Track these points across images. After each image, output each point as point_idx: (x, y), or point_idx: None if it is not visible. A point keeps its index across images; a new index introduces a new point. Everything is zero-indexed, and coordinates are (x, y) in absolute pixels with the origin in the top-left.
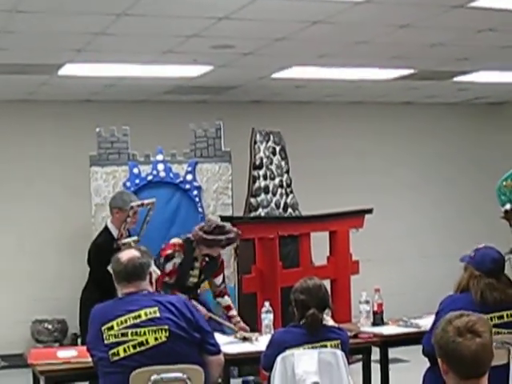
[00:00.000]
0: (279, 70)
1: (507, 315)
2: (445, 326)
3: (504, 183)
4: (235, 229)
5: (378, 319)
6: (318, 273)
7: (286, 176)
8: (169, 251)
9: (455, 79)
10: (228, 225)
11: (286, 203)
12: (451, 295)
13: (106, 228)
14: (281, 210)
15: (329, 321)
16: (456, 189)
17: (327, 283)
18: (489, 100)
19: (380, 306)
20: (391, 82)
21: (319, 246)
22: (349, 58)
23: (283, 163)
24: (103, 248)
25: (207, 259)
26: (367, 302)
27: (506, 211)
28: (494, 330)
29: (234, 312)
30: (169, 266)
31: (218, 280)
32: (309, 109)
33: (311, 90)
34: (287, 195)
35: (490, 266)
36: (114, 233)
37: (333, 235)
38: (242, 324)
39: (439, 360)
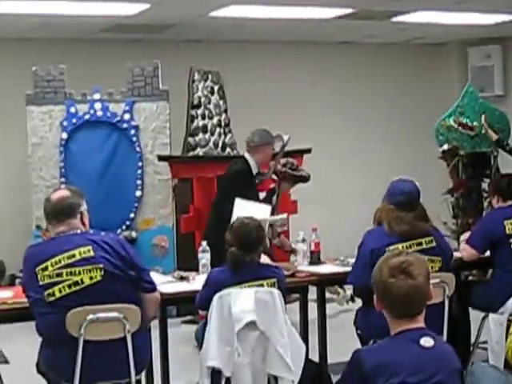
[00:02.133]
0: (217, 9)
1: (425, 242)
2: (381, 265)
3: (442, 123)
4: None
5: (314, 258)
6: None
7: (224, 115)
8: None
9: (394, 19)
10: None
11: (224, 143)
12: (370, 229)
13: (245, 159)
14: (219, 149)
15: (265, 259)
16: (396, 129)
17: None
18: (428, 41)
19: (317, 245)
20: (330, 21)
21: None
22: None
23: (221, 102)
24: (241, 175)
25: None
26: (304, 241)
27: (444, 151)
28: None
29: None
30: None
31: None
32: (248, 48)
33: (250, 29)
34: (225, 135)
35: (399, 198)
36: (254, 168)
37: None
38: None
39: (375, 297)
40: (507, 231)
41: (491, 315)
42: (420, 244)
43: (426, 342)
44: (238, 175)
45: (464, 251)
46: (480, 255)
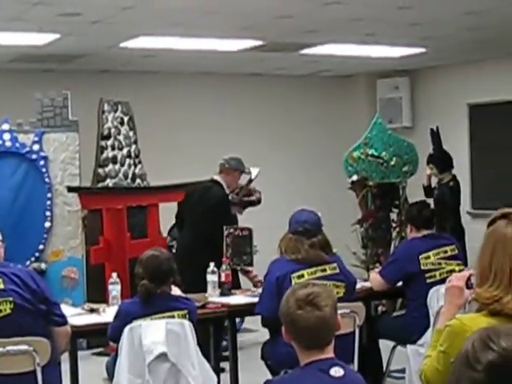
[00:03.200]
0: (127, 39)
1: (329, 268)
2: (288, 297)
3: (350, 155)
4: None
5: (225, 289)
6: (166, 243)
7: (134, 146)
8: None
9: (302, 51)
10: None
11: (134, 174)
12: (274, 259)
13: (218, 182)
14: (129, 180)
15: (176, 291)
16: (307, 160)
17: None
18: (337, 73)
19: (227, 276)
20: (239, 53)
21: (168, 217)
22: (197, 29)
23: (131, 133)
24: (227, 200)
25: None
26: (214, 273)
27: (353, 182)
28: (319, 282)
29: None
30: None
31: None
32: (158, 79)
33: (160, 59)
34: (135, 166)
35: (297, 227)
36: (226, 190)
37: None
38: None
39: (283, 328)
40: (422, 266)
41: (409, 346)
42: (324, 270)
43: (336, 371)
44: (227, 199)
45: (374, 281)
46: (390, 286)
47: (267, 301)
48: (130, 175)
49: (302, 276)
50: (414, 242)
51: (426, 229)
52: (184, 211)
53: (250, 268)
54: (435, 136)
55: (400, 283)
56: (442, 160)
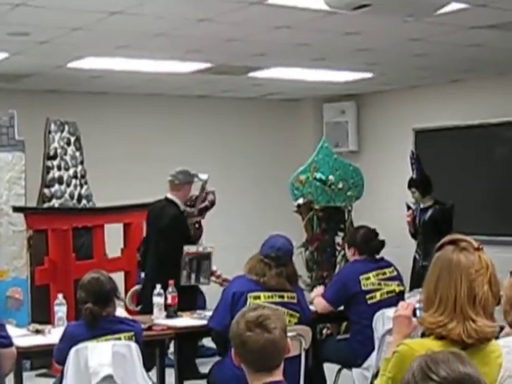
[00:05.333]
0: (75, 60)
1: (287, 296)
2: (238, 318)
3: (296, 178)
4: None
5: (171, 311)
6: (111, 265)
7: (80, 167)
8: None
9: (250, 75)
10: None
11: (80, 194)
12: (237, 275)
13: (174, 202)
14: (75, 200)
15: (122, 313)
16: (253, 182)
17: (121, 276)
18: (284, 96)
19: (174, 298)
20: (187, 76)
21: (114, 238)
22: (145, 51)
23: (78, 154)
24: (181, 219)
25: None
26: (160, 295)
27: (299, 205)
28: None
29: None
30: None
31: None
32: (105, 100)
33: (107, 80)
34: (81, 186)
35: (269, 251)
36: (181, 206)
37: (127, 227)
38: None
39: (233, 350)
40: (363, 287)
41: (355, 370)
42: (282, 297)
43: None
44: (181, 219)
45: (319, 304)
46: (334, 309)
47: (220, 315)
48: (76, 196)
49: (259, 297)
50: (355, 263)
51: (370, 256)
52: (146, 233)
53: (213, 268)
54: (416, 160)
55: (342, 307)
56: (424, 184)
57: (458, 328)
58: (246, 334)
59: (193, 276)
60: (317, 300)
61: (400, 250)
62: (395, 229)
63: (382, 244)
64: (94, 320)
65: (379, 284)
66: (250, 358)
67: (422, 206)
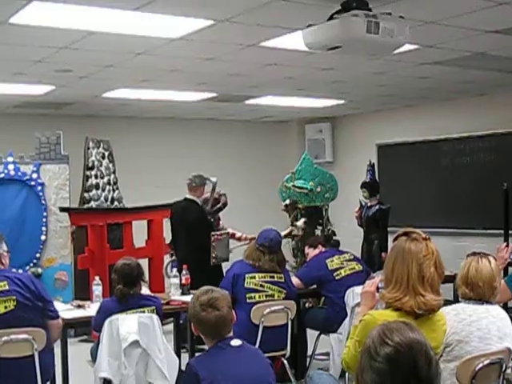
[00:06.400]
0: (108, 91)
1: (276, 276)
2: (194, 302)
3: (283, 184)
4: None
5: (185, 290)
6: (138, 253)
7: (112, 176)
8: None
9: (247, 102)
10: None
11: (112, 197)
12: (237, 260)
13: (194, 201)
14: (109, 202)
15: (146, 291)
16: (250, 187)
17: (146, 261)
18: (274, 119)
19: (187, 279)
20: (198, 103)
21: (140, 232)
22: (164, 83)
23: (111, 165)
24: (204, 213)
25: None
26: (176, 277)
27: (286, 205)
28: (266, 285)
29: (238, 234)
30: None
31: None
32: (132, 122)
33: (134, 107)
34: (114, 191)
35: (264, 241)
36: (200, 203)
37: (150, 223)
38: (249, 236)
39: (192, 325)
40: (329, 267)
41: (332, 335)
42: (272, 277)
43: (235, 342)
44: (204, 213)
45: (293, 281)
46: (305, 287)
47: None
48: (110, 199)
49: (254, 277)
50: (321, 253)
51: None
52: (172, 229)
53: (234, 232)
54: (371, 168)
55: (315, 286)
56: (372, 187)
57: (411, 301)
58: (201, 313)
59: (219, 256)
60: (293, 278)
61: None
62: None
63: (339, 242)
64: (123, 297)
65: (342, 263)
66: (206, 331)
67: (368, 204)
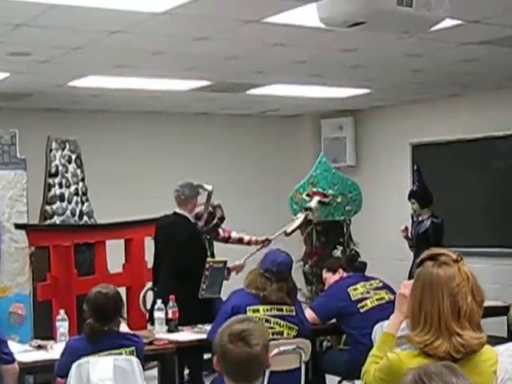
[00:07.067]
0: (76, 79)
1: (286, 309)
2: (223, 329)
3: (295, 194)
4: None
5: (172, 326)
6: (113, 280)
7: (81, 184)
8: None
9: (249, 92)
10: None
11: (81, 211)
12: (235, 289)
13: (185, 216)
14: (76, 217)
15: (125, 328)
16: (253, 196)
17: (123, 291)
18: (283, 113)
19: (175, 313)
20: (186, 93)
21: (116, 254)
22: (144, 69)
23: (79, 171)
24: (197, 232)
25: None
26: (161, 310)
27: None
28: (273, 320)
29: (246, 237)
30: None
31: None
32: (106, 117)
33: (108, 98)
34: (83, 203)
35: (270, 266)
36: (191, 219)
37: (128, 243)
38: (259, 238)
39: (215, 358)
40: (352, 297)
41: (357, 382)
42: (281, 310)
43: None
44: (196, 232)
45: (307, 316)
46: (322, 322)
47: (218, 327)
48: (78, 213)
49: (258, 311)
50: (342, 279)
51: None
52: (156, 250)
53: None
54: (418, 173)
55: (334, 320)
56: (423, 196)
57: (445, 345)
58: (228, 346)
59: (210, 288)
60: (306, 311)
61: (406, 263)
62: (396, 242)
63: (365, 264)
64: (94, 335)
65: (368, 292)
66: (229, 369)
67: (420, 218)
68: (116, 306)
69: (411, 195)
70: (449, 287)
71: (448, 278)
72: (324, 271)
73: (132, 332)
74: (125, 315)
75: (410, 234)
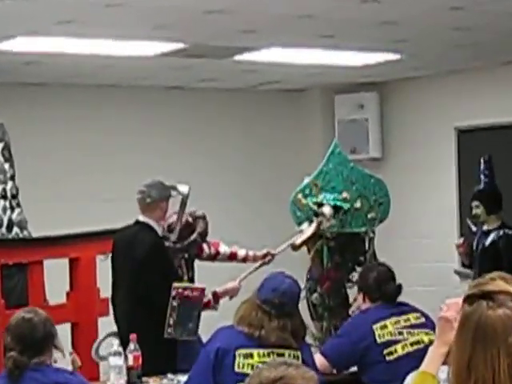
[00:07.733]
0: (2, 40)
1: (289, 354)
2: (257, 374)
3: (298, 197)
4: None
5: (133, 377)
6: (53, 314)
7: (10, 184)
8: None
9: (237, 58)
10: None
11: (10, 220)
12: (223, 326)
13: (146, 224)
14: (3, 229)
15: (66, 364)
16: (243, 200)
17: (67, 327)
18: (281, 86)
19: (137, 358)
20: (154, 60)
21: (58, 278)
22: (96, 27)
23: (7, 166)
24: (161, 246)
25: None
26: (119, 354)
27: (303, 231)
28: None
29: (240, 251)
30: None
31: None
32: (43, 93)
33: (46, 67)
34: (12, 209)
35: (270, 296)
36: (158, 230)
37: (74, 264)
38: (259, 253)
39: None
40: (378, 339)
41: None
42: (282, 355)
43: None
44: (163, 244)
45: (318, 363)
46: (336, 369)
47: (197, 381)
48: (6, 222)
49: (251, 356)
50: (366, 311)
51: (385, 303)
52: (113, 273)
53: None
54: (488, 165)
55: (354, 368)
56: (492, 198)
57: None
58: None
59: (180, 325)
60: (316, 357)
61: (446, 288)
62: (436, 263)
63: (399, 289)
64: (18, 372)
65: (400, 333)
66: None
67: (485, 227)
68: (46, 332)
69: (476, 196)
70: (508, 344)
71: (508, 329)
72: (357, 290)
73: (71, 369)
74: (61, 346)
75: (468, 249)
